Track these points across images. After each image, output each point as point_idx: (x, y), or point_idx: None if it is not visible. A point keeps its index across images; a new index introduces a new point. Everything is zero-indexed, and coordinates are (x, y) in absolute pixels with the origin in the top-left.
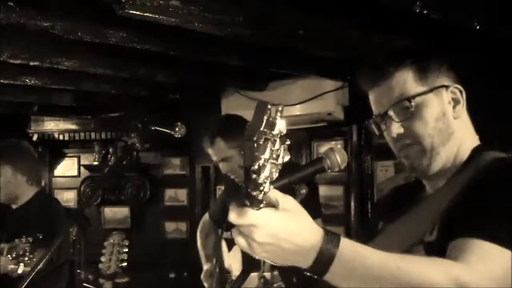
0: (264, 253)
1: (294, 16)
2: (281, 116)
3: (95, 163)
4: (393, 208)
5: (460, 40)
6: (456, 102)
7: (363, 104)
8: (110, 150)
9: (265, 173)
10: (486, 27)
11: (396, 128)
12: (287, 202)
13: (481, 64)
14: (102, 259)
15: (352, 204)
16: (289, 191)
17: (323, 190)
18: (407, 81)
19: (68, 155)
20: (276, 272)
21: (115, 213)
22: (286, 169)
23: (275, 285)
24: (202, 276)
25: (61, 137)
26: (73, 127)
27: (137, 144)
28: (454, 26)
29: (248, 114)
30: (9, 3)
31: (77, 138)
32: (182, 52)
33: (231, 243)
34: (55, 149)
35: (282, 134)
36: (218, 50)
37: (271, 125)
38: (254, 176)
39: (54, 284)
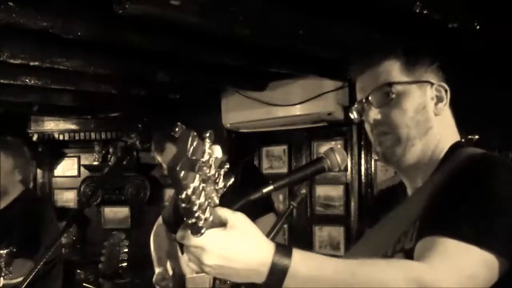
0: (215, 273)
1: (294, 16)
2: (212, 142)
3: (95, 163)
4: (377, 212)
5: (459, 40)
6: (439, 99)
7: None
8: (110, 150)
9: (199, 200)
10: (486, 27)
11: (374, 114)
12: (236, 219)
13: (480, 64)
14: (102, 259)
15: (352, 204)
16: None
17: (323, 190)
18: (393, 69)
19: (68, 155)
20: None
21: (115, 213)
22: (237, 192)
23: (227, 283)
24: (154, 279)
25: (61, 137)
26: (73, 127)
27: (137, 144)
28: (454, 26)
29: (248, 114)
30: (9, 3)
31: (77, 138)
32: (182, 52)
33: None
34: (55, 149)
35: (220, 159)
36: (218, 50)
37: (200, 152)
38: (183, 205)
39: (49, 284)
